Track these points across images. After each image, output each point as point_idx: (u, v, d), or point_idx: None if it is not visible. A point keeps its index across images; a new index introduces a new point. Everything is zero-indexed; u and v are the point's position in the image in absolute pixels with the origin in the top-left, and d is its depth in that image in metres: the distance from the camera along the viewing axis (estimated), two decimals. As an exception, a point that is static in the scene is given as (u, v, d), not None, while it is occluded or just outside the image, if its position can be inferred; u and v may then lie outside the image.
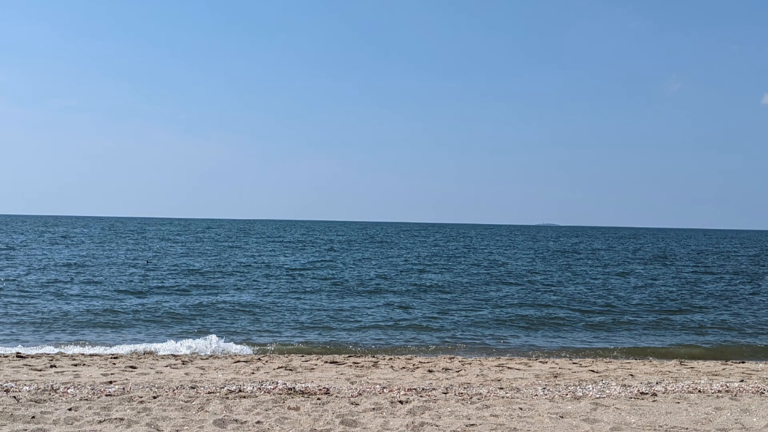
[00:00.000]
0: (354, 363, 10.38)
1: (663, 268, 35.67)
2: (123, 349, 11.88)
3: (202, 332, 13.97)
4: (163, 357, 10.89)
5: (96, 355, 11.02)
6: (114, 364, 9.82)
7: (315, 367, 9.91)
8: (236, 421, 6.38)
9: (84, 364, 9.70)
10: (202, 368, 9.58)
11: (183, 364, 9.98)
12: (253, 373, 9.25)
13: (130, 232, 72.39)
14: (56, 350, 11.62)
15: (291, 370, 9.57)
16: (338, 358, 11.08)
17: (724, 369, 10.40)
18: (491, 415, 6.77)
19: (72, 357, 10.58)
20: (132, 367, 9.55)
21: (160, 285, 22.05)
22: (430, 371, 9.71)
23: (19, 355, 10.49)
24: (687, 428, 6.39)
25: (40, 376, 8.64)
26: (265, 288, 22.04)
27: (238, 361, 10.36)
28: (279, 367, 9.73)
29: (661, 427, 6.41)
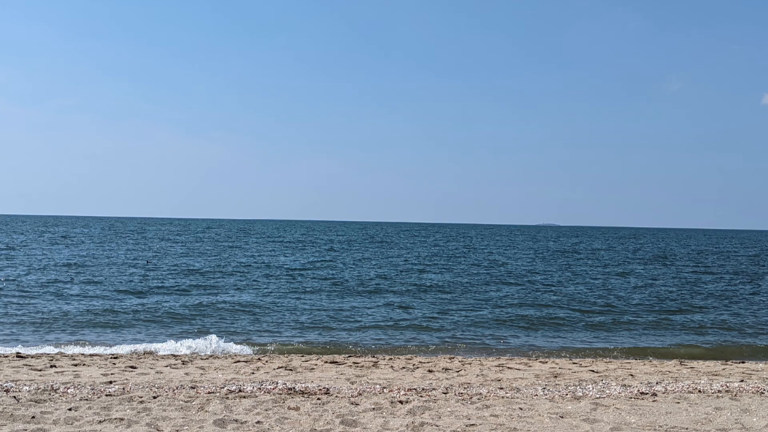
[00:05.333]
0: (354, 363, 10.38)
1: (663, 268, 35.67)
2: (123, 349, 11.88)
3: (202, 332, 13.97)
4: (163, 357, 10.89)
5: (96, 355, 11.02)
6: (114, 364, 9.82)
7: (315, 367, 9.91)
8: (236, 421, 6.38)
9: (84, 364, 9.70)
10: (202, 368, 9.58)
11: (183, 364, 9.99)
12: (253, 373, 9.25)
13: (130, 232, 72.37)
14: (56, 350, 11.62)
15: (291, 370, 9.57)
16: (338, 358, 11.08)
17: (724, 369, 10.40)
18: (491, 415, 6.77)
19: (72, 357, 10.58)
20: (132, 367, 9.55)
21: (160, 285, 22.05)
22: (430, 371, 9.71)
23: (19, 355, 10.49)
24: (687, 428, 6.39)
25: (40, 376, 8.64)
26: (265, 288, 22.04)
27: (238, 361, 10.36)
28: (279, 367, 9.73)
29: (661, 427, 6.41)
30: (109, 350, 11.74)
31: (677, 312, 18.76)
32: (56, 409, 6.65)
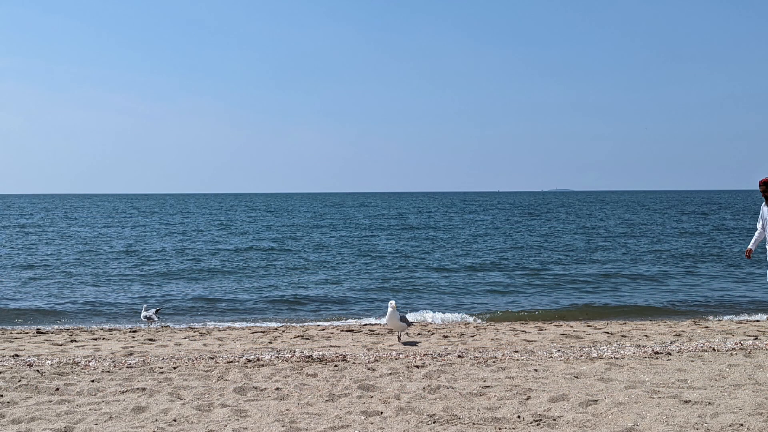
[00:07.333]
0: (370, 331, 10.48)
1: (676, 232, 35.54)
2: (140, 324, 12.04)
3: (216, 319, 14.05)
4: (180, 330, 11.04)
5: (115, 329, 11.19)
6: (133, 337, 9.98)
7: (331, 335, 10.02)
8: (256, 388, 6.49)
9: (104, 338, 9.86)
10: (219, 339, 9.71)
11: (201, 335, 10.13)
12: (270, 342, 9.37)
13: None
14: (76, 326, 11.80)
15: (308, 339, 9.68)
16: (354, 326, 11.19)
17: (738, 327, 10.42)
18: (507, 377, 6.84)
19: (91, 332, 10.75)
20: (151, 339, 9.70)
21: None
22: (445, 336, 9.80)
23: (39, 331, 10.67)
24: (701, 385, 6.43)
25: (62, 350, 8.79)
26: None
27: (256, 332, 10.49)
28: (296, 336, 9.85)
29: (674, 384, 6.46)
30: (127, 326, 11.90)
31: (692, 273, 18.74)
32: (79, 381, 6.78)
